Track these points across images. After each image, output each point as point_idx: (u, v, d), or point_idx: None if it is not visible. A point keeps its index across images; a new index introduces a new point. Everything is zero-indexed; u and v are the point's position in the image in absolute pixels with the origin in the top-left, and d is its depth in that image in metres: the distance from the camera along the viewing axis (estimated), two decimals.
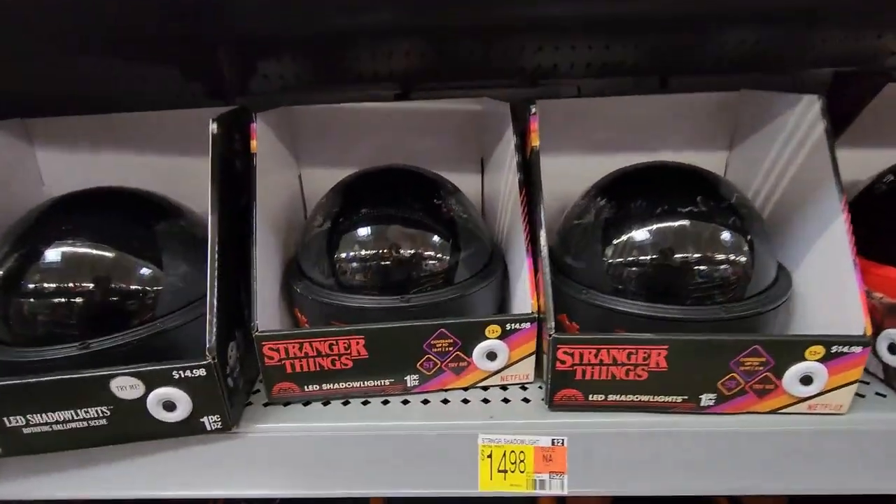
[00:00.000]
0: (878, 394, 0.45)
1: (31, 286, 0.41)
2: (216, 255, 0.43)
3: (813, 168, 0.46)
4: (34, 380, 0.39)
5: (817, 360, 0.40)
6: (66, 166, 0.58)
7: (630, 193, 0.47)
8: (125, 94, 0.95)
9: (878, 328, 0.45)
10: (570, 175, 0.56)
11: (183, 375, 0.40)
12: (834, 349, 0.40)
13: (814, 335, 0.40)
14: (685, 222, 0.44)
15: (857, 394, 0.44)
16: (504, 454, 0.44)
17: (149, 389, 0.40)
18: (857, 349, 0.40)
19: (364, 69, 1.08)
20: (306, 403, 0.47)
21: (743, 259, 0.44)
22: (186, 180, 0.59)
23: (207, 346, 0.40)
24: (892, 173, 0.52)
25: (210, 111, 0.60)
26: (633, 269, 0.44)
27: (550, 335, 0.41)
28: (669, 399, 0.43)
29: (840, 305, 0.43)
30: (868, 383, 0.47)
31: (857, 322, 0.41)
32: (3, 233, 0.45)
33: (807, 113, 0.46)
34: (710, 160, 0.60)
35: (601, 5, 0.69)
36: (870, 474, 0.43)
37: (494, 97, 0.77)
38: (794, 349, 0.40)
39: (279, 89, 1.08)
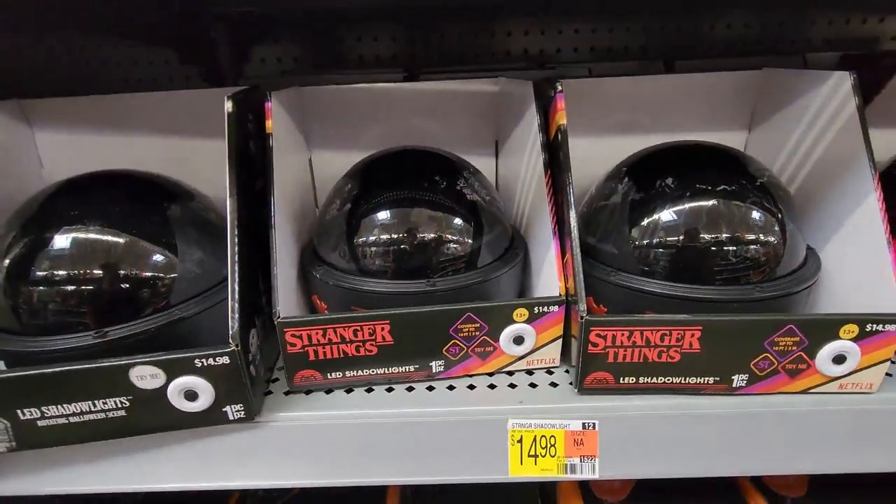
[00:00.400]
0: None
1: (45, 273, 0.39)
2: (236, 241, 0.41)
3: (843, 146, 0.45)
4: (49, 370, 0.37)
5: (851, 339, 0.40)
6: (66, 149, 0.56)
7: (658, 173, 0.46)
8: (121, 79, 0.92)
9: None
10: (586, 157, 0.55)
11: (206, 364, 0.39)
12: (868, 328, 0.40)
13: (848, 314, 0.40)
14: (717, 201, 0.43)
15: (885, 373, 0.45)
16: (534, 439, 0.43)
17: (170, 379, 0.39)
18: (892, 327, 0.39)
19: (365, 53, 1.06)
20: (329, 391, 0.46)
21: (776, 238, 0.43)
22: (190, 163, 0.58)
23: (231, 332, 0.39)
24: None
25: (212, 92, 0.58)
26: (664, 249, 0.44)
27: (583, 317, 0.41)
28: (701, 381, 0.42)
29: (871, 284, 0.42)
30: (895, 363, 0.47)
31: (891, 300, 0.40)
32: (10, 217, 0.43)
33: (837, 90, 0.46)
34: (728, 140, 0.59)
35: None
36: None
37: None
38: (828, 328, 0.40)
39: (278, 74, 1.05)
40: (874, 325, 0.40)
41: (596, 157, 0.55)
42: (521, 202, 0.56)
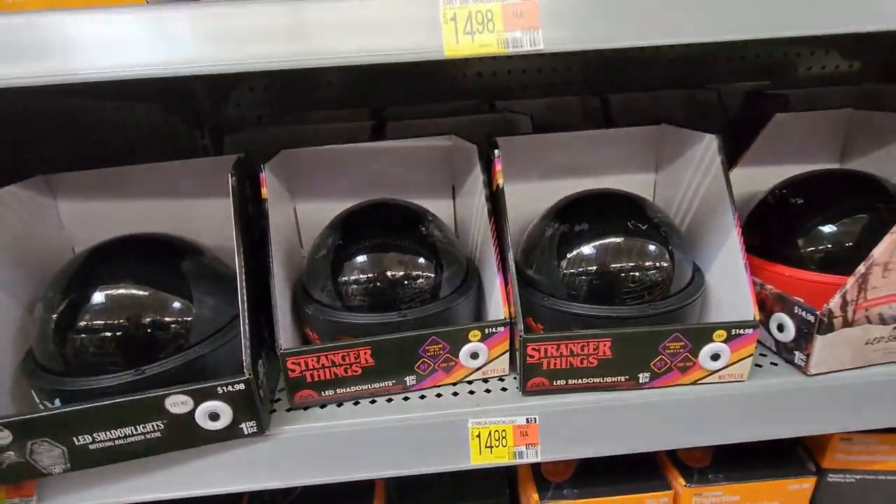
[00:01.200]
0: (772, 363, 0.59)
1: (90, 324, 0.49)
2: (245, 292, 0.51)
3: (715, 192, 0.59)
4: (99, 404, 0.47)
5: (722, 341, 0.53)
6: (85, 214, 0.65)
7: (577, 217, 0.59)
8: (115, 124, 1.02)
9: (770, 312, 0.59)
10: (529, 198, 0.68)
11: (226, 390, 0.49)
12: (733, 332, 0.53)
13: (718, 322, 0.53)
14: (619, 240, 0.56)
15: (756, 364, 0.58)
16: (490, 433, 0.54)
17: (197, 404, 0.49)
18: (750, 331, 0.53)
19: (334, 97, 1.18)
20: (323, 406, 0.57)
21: (665, 265, 0.56)
22: (193, 220, 0.68)
23: (245, 364, 0.49)
24: (777, 189, 0.66)
25: (209, 161, 0.68)
26: (582, 278, 0.56)
27: (521, 336, 0.52)
28: (615, 379, 0.55)
29: (738, 297, 0.56)
30: (765, 356, 0.60)
31: (748, 310, 0.54)
32: (55, 278, 0.52)
33: (709, 149, 0.59)
34: (642, 181, 0.73)
35: None
36: (767, 424, 0.56)
37: (458, 123, 0.88)
38: (704, 334, 0.53)
39: (254, 118, 1.16)
40: (737, 330, 0.53)
41: (537, 198, 0.67)
42: (474, 239, 0.68)
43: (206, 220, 0.68)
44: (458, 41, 0.38)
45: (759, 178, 0.72)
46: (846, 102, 0.80)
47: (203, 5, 0.42)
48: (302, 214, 0.74)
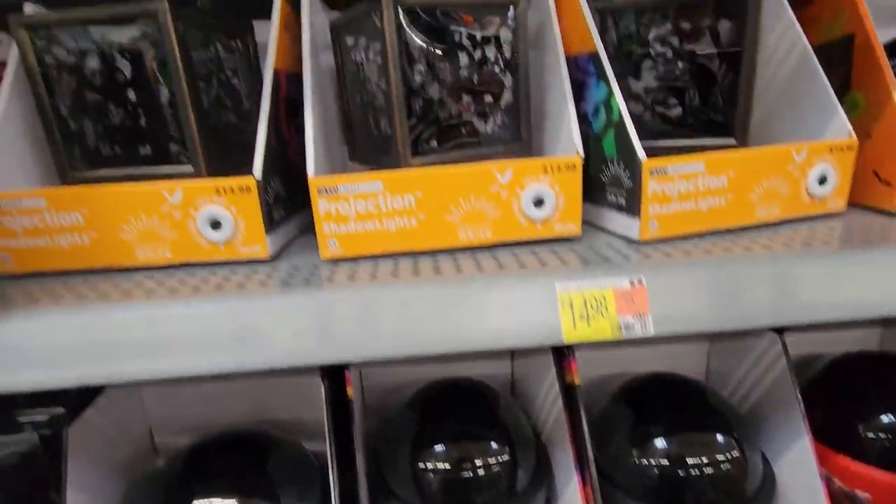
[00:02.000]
0: None
1: None
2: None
3: (780, 389, 0.61)
4: None
5: None
6: (167, 399, 0.67)
7: (653, 415, 0.62)
8: None
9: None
10: (587, 363, 0.70)
11: None
12: None
13: None
14: (701, 448, 0.58)
15: None
16: None
17: None
18: None
19: None
20: None
21: (744, 474, 0.58)
22: (267, 397, 0.70)
23: None
24: (832, 369, 0.69)
25: None
26: (659, 479, 0.58)
27: None
28: None
29: (811, 501, 0.57)
30: None
31: None
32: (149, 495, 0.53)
33: (772, 346, 0.62)
34: (693, 350, 0.76)
35: None
36: None
37: None
38: None
39: None
40: None
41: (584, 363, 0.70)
42: (542, 418, 0.69)
43: (280, 395, 0.70)
44: (576, 326, 0.41)
45: (803, 343, 0.75)
46: None
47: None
48: (366, 377, 0.76)
